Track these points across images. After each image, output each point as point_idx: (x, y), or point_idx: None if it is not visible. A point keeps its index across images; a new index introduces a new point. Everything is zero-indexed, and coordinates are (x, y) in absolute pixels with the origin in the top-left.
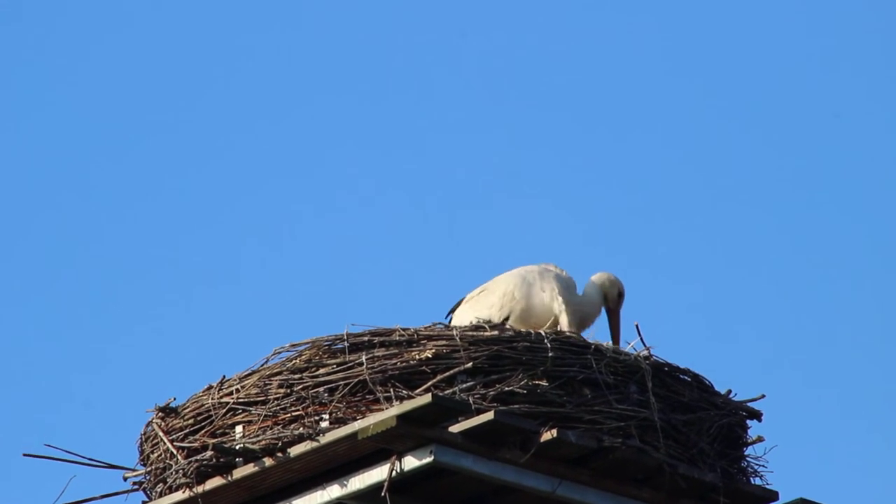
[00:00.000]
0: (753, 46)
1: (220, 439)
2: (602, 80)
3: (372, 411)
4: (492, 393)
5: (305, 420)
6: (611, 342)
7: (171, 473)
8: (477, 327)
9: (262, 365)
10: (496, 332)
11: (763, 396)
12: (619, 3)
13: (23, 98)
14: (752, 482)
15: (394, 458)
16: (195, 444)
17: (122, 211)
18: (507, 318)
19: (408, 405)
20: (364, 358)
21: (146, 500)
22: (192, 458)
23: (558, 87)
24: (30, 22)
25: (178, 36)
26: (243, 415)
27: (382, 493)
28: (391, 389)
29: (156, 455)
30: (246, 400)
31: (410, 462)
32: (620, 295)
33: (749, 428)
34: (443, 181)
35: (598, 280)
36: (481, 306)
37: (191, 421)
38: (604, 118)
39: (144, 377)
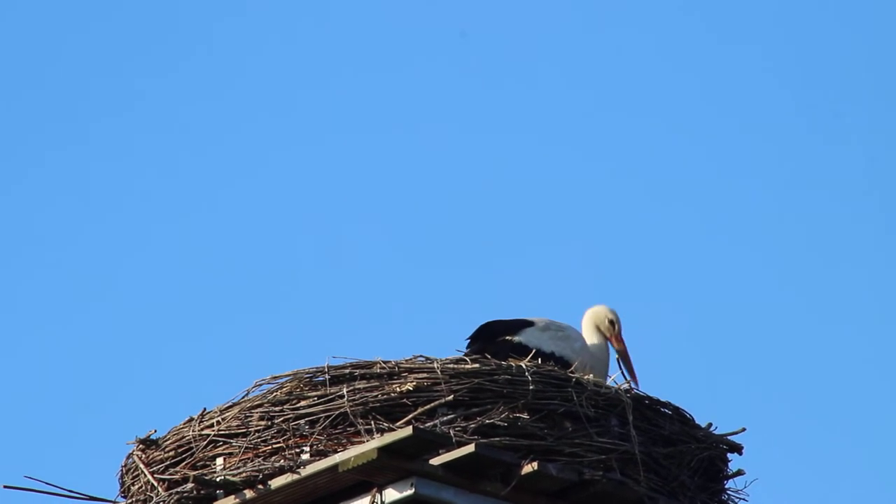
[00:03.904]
0: (753, 51)
1: (200, 471)
2: (602, 80)
3: (353, 444)
4: (473, 425)
5: (286, 452)
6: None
7: None
8: (458, 360)
9: (243, 397)
10: (477, 365)
11: (744, 430)
12: (620, 4)
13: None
14: None
15: (374, 490)
16: (176, 477)
17: (103, 250)
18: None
19: (389, 437)
20: (345, 390)
21: None
22: (173, 491)
23: (558, 87)
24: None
25: (183, 50)
26: (224, 447)
27: None
28: (372, 422)
29: (136, 487)
30: (227, 432)
31: (391, 495)
32: (612, 322)
33: (730, 461)
34: (431, 192)
35: (587, 321)
36: (562, 345)
37: (171, 453)
38: (603, 119)
39: (125, 409)
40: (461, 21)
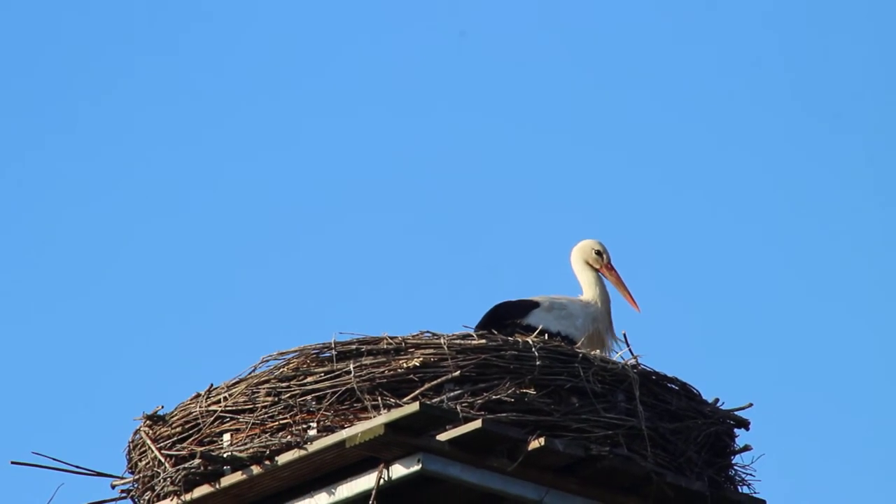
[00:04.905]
0: (754, 54)
1: (207, 447)
2: (602, 78)
3: (360, 419)
4: (479, 401)
5: (293, 428)
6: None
7: (159, 481)
8: (465, 336)
9: (250, 373)
10: (484, 341)
11: (750, 405)
12: (620, 3)
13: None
14: (740, 491)
15: (381, 466)
16: (183, 452)
17: (111, 224)
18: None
19: (395, 413)
20: (352, 366)
21: None
22: (180, 466)
23: (558, 87)
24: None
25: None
26: (231, 423)
27: (370, 502)
28: (379, 398)
29: (144, 463)
30: (234, 408)
31: (398, 470)
32: (599, 253)
33: (736, 437)
34: (432, 186)
35: (576, 258)
36: (566, 324)
37: (178, 429)
38: (604, 117)
39: (132, 385)
40: (461, 21)
